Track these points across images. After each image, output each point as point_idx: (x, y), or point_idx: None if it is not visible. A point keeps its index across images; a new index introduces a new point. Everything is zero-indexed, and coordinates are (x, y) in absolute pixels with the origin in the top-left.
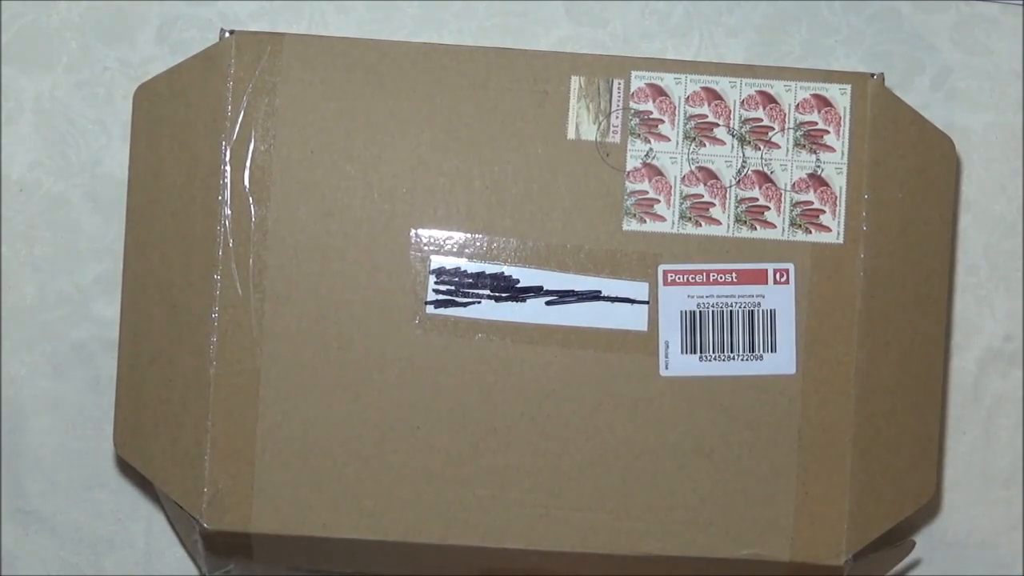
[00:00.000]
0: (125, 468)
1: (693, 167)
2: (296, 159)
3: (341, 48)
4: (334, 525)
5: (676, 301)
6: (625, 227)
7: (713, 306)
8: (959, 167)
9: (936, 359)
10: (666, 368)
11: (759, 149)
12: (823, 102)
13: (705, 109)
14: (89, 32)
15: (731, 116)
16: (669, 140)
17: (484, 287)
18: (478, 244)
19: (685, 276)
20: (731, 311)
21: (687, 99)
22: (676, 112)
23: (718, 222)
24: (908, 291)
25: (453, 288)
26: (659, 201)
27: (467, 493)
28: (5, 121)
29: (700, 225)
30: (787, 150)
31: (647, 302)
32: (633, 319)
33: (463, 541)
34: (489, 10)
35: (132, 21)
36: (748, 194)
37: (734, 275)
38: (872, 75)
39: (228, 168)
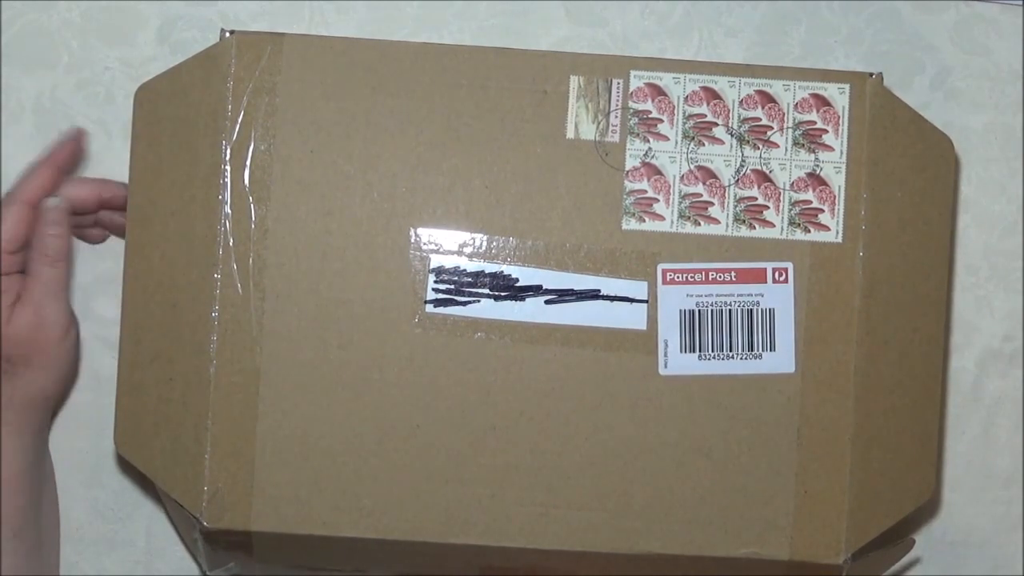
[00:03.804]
0: (125, 468)
1: (692, 166)
2: (296, 159)
3: (341, 48)
4: (334, 524)
5: (675, 300)
6: (624, 226)
7: (712, 305)
8: (958, 167)
9: (935, 358)
10: (665, 367)
11: (758, 148)
12: (822, 101)
13: (704, 108)
14: (89, 32)
15: (730, 115)
16: (668, 139)
17: (483, 286)
18: (477, 243)
19: (684, 275)
20: (730, 310)
21: (686, 98)
22: (675, 111)
23: (717, 221)
24: (907, 290)
25: (452, 287)
26: (658, 200)
27: (467, 492)
28: (6, 121)
29: (699, 224)
30: (786, 149)
31: (646, 301)
32: (632, 318)
33: (463, 540)
34: (489, 10)
35: (132, 21)
36: (747, 193)
37: (733, 274)
38: (871, 75)
39: (228, 168)
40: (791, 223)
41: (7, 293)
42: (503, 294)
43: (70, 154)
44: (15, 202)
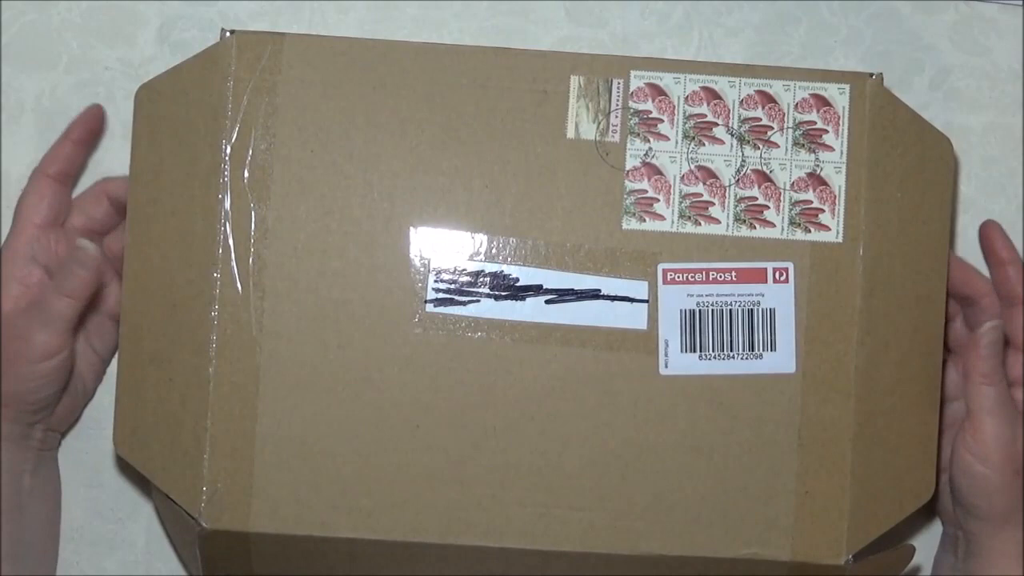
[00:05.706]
0: (125, 468)
1: (692, 166)
2: (296, 158)
3: (341, 48)
4: (333, 524)
5: (675, 300)
6: (624, 226)
7: (712, 305)
8: (957, 167)
9: (936, 358)
10: (666, 367)
11: (758, 148)
12: (822, 102)
13: (704, 108)
14: (89, 32)
15: (730, 115)
16: (668, 139)
17: (484, 286)
18: (478, 243)
19: (684, 275)
20: (730, 310)
21: (686, 98)
22: (675, 111)
23: (717, 221)
24: (907, 290)
25: (453, 287)
26: (658, 200)
27: (466, 492)
28: (5, 121)
29: (699, 224)
30: (786, 149)
31: (646, 301)
32: (632, 318)
33: (462, 541)
34: (489, 10)
35: (132, 21)
36: (747, 193)
37: (733, 274)
38: (871, 75)
39: (228, 167)
40: (791, 223)
41: (31, 272)
42: (503, 294)
43: (86, 128)
44: (35, 176)
